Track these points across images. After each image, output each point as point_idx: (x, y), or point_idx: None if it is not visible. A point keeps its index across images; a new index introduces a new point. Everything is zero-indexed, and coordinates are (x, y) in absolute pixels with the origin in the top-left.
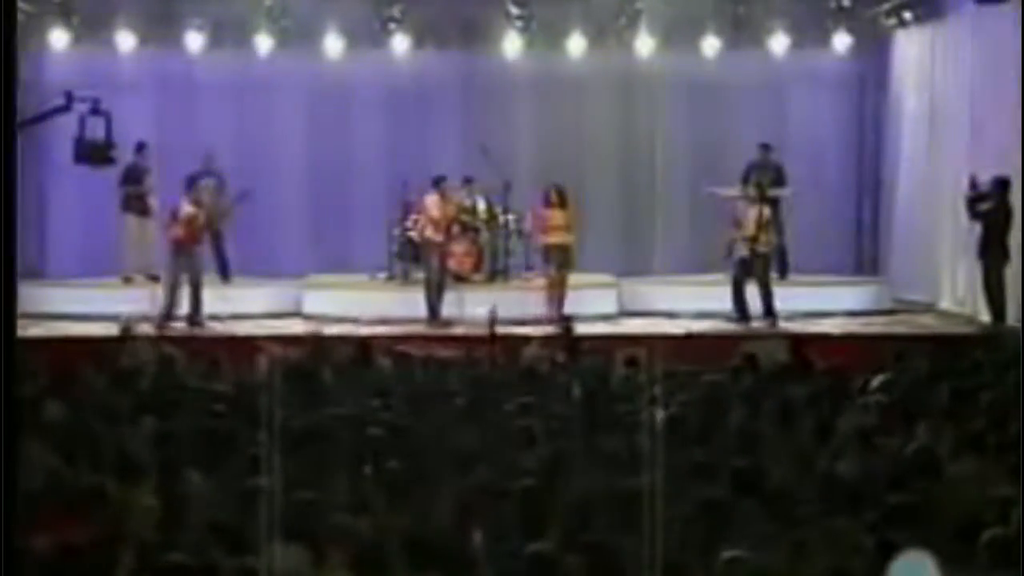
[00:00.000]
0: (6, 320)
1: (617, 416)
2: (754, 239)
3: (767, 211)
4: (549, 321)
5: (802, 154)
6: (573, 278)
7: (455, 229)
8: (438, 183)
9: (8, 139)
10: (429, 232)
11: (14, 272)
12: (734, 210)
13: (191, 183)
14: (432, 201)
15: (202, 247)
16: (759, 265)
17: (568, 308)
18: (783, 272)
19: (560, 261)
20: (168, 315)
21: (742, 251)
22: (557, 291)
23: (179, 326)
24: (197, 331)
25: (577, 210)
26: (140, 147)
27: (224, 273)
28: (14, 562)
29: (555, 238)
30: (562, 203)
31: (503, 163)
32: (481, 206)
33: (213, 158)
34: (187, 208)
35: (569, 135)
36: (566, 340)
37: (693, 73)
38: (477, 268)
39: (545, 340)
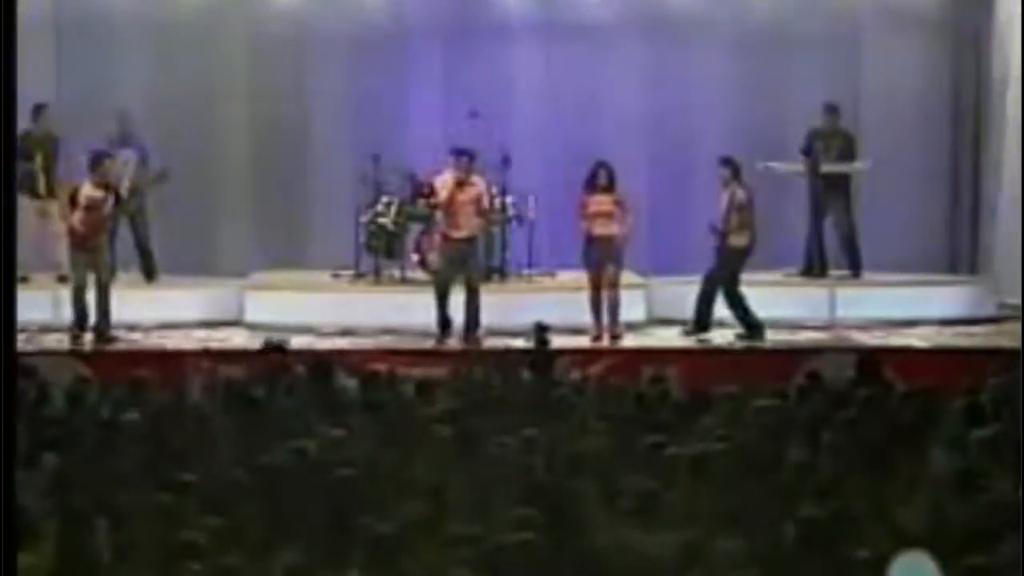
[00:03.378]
0: (6, 320)
1: (641, 452)
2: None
3: (740, 194)
4: (596, 336)
5: (880, 122)
6: (584, 278)
7: (486, 206)
8: (458, 157)
9: (8, 139)
10: (444, 222)
11: (14, 272)
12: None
13: (96, 159)
14: (444, 183)
15: (105, 240)
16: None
17: (575, 314)
18: (855, 270)
19: (605, 256)
20: (80, 325)
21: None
22: (609, 295)
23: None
24: (107, 345)
25: (630, 194)
26: (36, 110)
27: (148, 272)
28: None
29: (600, 228)
30: (610, 185)
31: (499, 131)
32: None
33: (130, 125)
34: (89, 191)
35: (583, 96)
36: (538, 356)
37: (741, 17)
38: None
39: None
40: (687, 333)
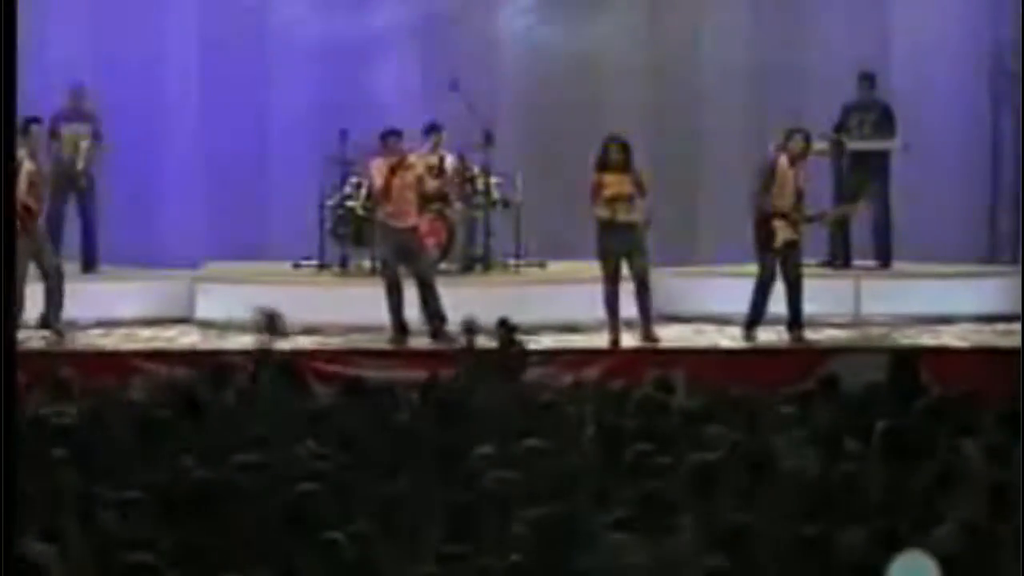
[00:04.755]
0: (6, 320)
1: (641, 464)
2: (792, 215)
3: (803, 170)
4: (614, 340)
5: (911, 90)
6: (582, 269)
7: (430, 188)
8: (387, 139)
9: (8, 139)
10: (382, 212)
11: (14, 272)
12: (766, 167)
13: (24, 126)
14: (378, 168)
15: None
16: (796, 253)
17: (568, 310)
18: (885, 259)
19: (626, 246)
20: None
21: (787, 233)
22: (638, 292)
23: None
24: (50, 341)
25: (647, 174)
26: None
27: (88, 261)
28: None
29: (619, 214)
30: (625, 164)
31: (482, 104)
32: (451, 165)
33: (82, 95)
34: (28, 165)
35: (575, 61)
36: (509, 355)
37: None
38: (445, 253)
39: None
40: (748, 337)
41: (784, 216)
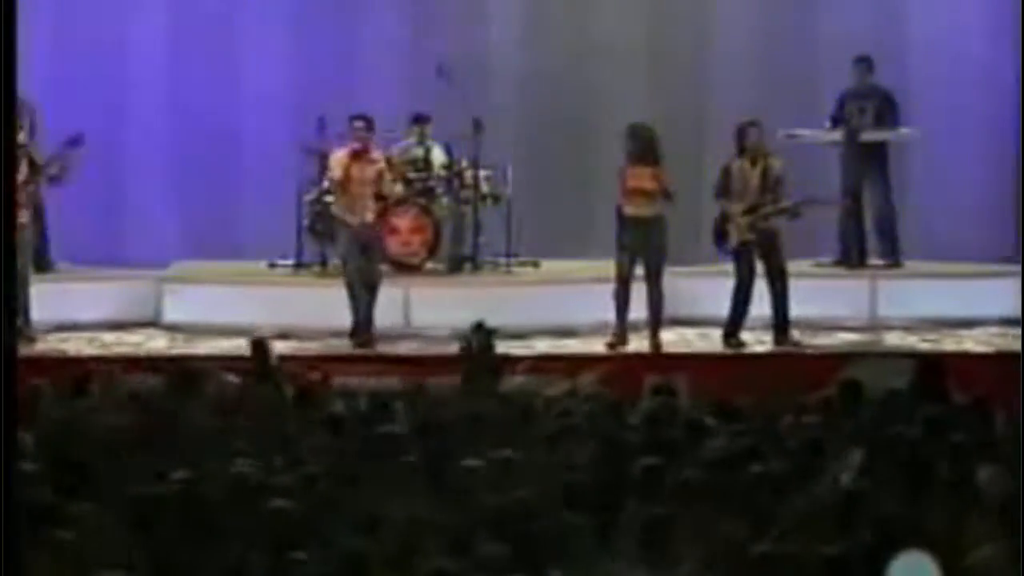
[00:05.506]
0: (6, 320)
1: (640, 478)
2: (754, 210)
3: (777, 165)
4: (619, 340)
5: (929, 78)
6: (578, 268)
7: (388, 189)
8: (353, 124)
9: (8, 139)
10: (338, 205)
11: (14, 272)
12: (727, 171)
13: None
14: (337, 158)
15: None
16: (768, 248)
17: (564, 313)
18: (894, 256)
19: (640, 242)
20: None
21: (741, 234)
22: (650, 292)
23: None
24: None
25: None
26: None
27: (42, 260)
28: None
29: (634, 207)
30: (651, 156)
31: (472, 90)
32: (439, 158)
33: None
34: None
35: (572, 42)
36: (479, 362)
37: None
38: (432, 252)
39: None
40: (728, 345)
41: (744, 214)
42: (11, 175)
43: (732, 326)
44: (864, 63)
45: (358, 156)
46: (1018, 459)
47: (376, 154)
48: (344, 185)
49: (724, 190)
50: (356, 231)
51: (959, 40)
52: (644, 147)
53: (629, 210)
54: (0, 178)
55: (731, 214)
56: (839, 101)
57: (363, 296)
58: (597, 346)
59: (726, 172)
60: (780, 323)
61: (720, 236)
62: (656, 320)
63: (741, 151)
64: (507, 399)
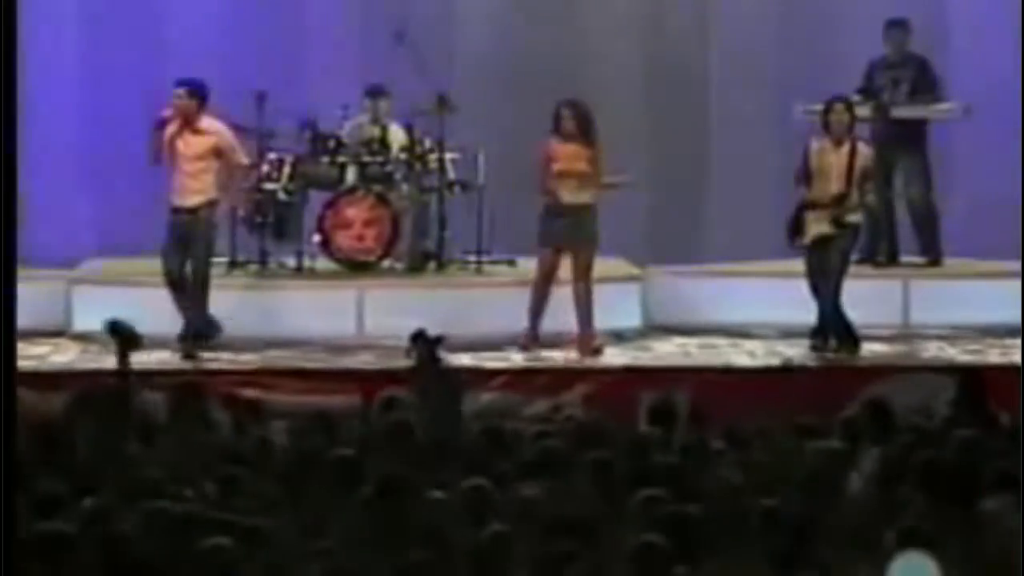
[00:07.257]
0: (6, 320)
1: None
2: (839, 202)
3: (866, 152)
4: (531, 340)
5: (970, 51)
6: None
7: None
8: (176, 92)
9: (8, 139)
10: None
11: (14, 272)
12: (806, 152)
13: None
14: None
15: None
16: (840, 247)
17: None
18: (931, 254)
19: (571, 234)
20: None
21: (821, 227)
22: (578, 289)
23: None
24: None
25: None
26: None
27: None
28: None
29: (566, 193)
30: (583, 133)
31: (434, 61)
32: (397, 138)
33: None
34: None
35: (551, 11)
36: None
37: None
38: (389, 248)
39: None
40: (814, 348)
41: (823, 206)
42: (11, 175)
43: (819, 328)
44: (899, 27)
45: (185, 128)
46: None
47: (207, 124)
48: (171, 163)
49: (800, 178)
50: (180, 216)
51: (996, 7)
52: (578, 124)
53: (559, 196)
54: (0, 178)
55: (809, 204)
56: (868, 71)
57: (195, 295)
58: (586, 359)
59: (804, 156)
60: (821, 328)
61: (793, 228)
62: (589, 320)
63: (826, 127)
64: (474, 420)
